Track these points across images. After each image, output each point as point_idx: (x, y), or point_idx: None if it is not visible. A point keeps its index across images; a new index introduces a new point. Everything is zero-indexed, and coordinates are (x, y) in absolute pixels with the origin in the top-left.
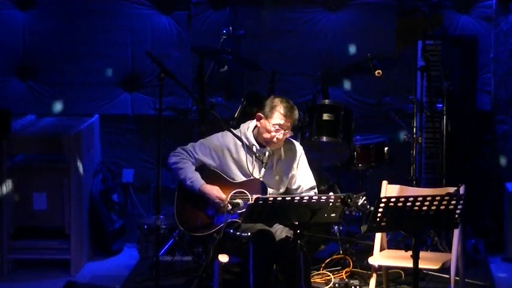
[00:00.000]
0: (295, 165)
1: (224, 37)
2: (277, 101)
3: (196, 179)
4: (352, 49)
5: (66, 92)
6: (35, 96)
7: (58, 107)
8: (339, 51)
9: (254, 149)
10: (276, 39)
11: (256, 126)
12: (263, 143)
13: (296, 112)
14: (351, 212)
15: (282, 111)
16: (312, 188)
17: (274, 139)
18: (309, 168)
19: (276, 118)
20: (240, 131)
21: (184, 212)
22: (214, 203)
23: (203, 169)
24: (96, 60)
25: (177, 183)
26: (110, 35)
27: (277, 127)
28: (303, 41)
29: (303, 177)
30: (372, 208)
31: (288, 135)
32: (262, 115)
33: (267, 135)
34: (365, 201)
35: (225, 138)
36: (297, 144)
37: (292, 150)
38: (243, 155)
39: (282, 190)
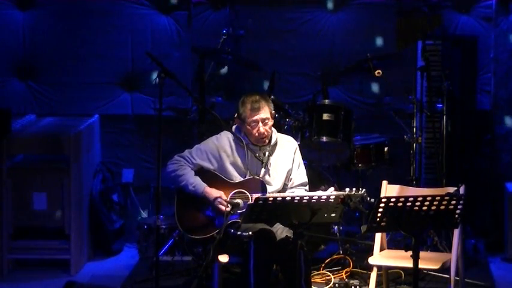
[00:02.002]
0: (291, 160)
1: (224, 37)
2: (244, 100)
3: (198, 183)
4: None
5: (66, 92)
6: (35, 96)
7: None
8: (339, 51)
9: (250, 148)
10: (276, 39)
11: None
12: (254, 142)
13: (265, 101)
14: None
15: (249, 107)
16: (302, 185)
17: (257, 134)
18: (302, 163)
19: (249, 116)
20: (234, 132)
21: (185, 216)
22: (216, 207)
23: (201, 172)
24: (96, 60)
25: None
26: (110, 35)
27: (253, 124)
28: (303, 41)
29: (295, 172)
30: (373, 200)
31: (269, 125)
32: (238, 119)
33: (251, 135)
34: (365, 194)
35: (220, 141)
36: (291, 139)
37: (287, 145)
38: (238, 155)
39: (280, 186)
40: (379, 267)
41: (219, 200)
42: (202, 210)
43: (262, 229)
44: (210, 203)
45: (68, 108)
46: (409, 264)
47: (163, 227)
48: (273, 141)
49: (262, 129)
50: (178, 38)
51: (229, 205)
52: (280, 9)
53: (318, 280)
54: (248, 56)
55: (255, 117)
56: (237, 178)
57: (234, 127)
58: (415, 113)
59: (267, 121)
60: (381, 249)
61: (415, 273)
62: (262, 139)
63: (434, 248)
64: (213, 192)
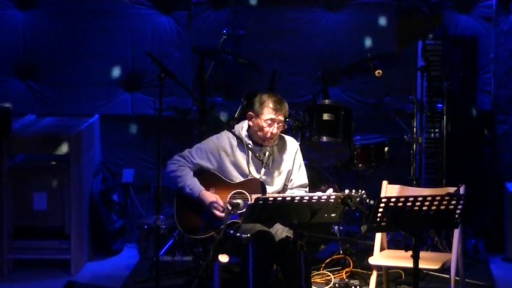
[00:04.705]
0: (291, 161)
1: (224, 37)
2: (265, 96)
3: (195, 185)
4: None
5: (66, 92)
6: (35, 96)
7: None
8: (339, 51)
9: (251, 148)
10: (276, 39)
11: (249, 126)
12: (258, 141)
13: (285, 104)
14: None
15: (271, 106)
16: (302, 186)
17: (269, 134)
18: (303, 164)
19: (267, 113)
20: (234, 132)
21: (184, 216)
22: (211, 212)
23: (201, 172)
24: (96, 60)
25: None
26: (110, 35)
27: (269, 122)
28: (303, 41)
29: (296, 173)
30: (372, 202)
31: (281, 129)
32: (253, 113)
33: (260, 133)
34: (364, 195)
35: (220, 141)
36: (293, 139)
37: (288, 145)
38: (239, 155)
39: (280, 186)
40: (379, 267)
41: (215, 204)
42: (202, 210)
43: (261, 231)
44: (205, 207)
45: (68, 108)
46: (409, 264)
47: (163, 227)
48: (274, 142)
49: (275, 130)
50: (178, 38)
51: (229, 206)
52: (280, 9)
53: (318, 280)
54: (248, 56)
55: (274, 117)
56: (237, 178)
57: (238, 126)
58: (415, 113)
59: (281, 124)
60: (381, 249)
61: (415, 273)
62: (270, 140)
63: (434, 248)
64: (209, 197)
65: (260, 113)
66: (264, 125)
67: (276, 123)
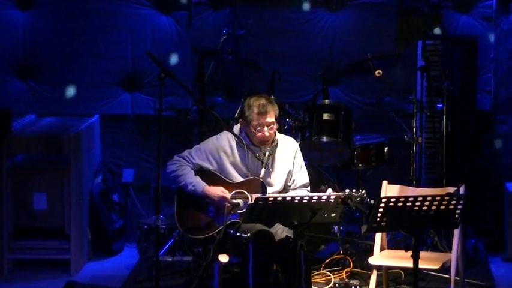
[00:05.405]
0: (291, 161)
1: (224, 37)
2: (250, 102)
3: (197, 182)
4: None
5: (66, 92)
6: (35, 96)
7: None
8: (339, 51)
9: (250, 148)
10: (276, 39)
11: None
12: (257, 144)
13: (273, 104)
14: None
15: (256, 111)
16: (305, 186)
17: (262, 138)
18: (304, 164)
19: (255, 119)
20: (234, 132)
21: (185, 216)
22: (218, 203)
23: (201, 172)
24: (96, 60)
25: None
26: (110, 35)
27: (258, 128)
28: (303, 41)
29: (297, 173)
30: (372, 201)
31: (274, 129)
32: (243, 121)
33: (255, 138)
34: (365, 195)
35: (220, 141)
36: (292, 140)
37: (288, 146)
38: (239, 155)
39: (280, 187)
40: (379, 267)
41: (223, 195)
42: (202, 210)
43: (261, 230)
44: (211, 201)
45: (68, 108)
46: (409, 264)
47: (163, 227)
48: (274, 142)
49: (267, 133)
50: (178, 38)
51: (229, 205)
52: (281, 9)
53: (318, 280)
54: (248, 56)
55: (261, 121)
56: (237, 178)
57: (236, 127)
58: (415, 113)
59: (272, 125)
60: (381, 249)
61: (415, 273)
62: (266, 142)
63: (434, 248)
64: (214, 190)
65: (249, 119)
66: (255, 131)
67: (265, 127)
